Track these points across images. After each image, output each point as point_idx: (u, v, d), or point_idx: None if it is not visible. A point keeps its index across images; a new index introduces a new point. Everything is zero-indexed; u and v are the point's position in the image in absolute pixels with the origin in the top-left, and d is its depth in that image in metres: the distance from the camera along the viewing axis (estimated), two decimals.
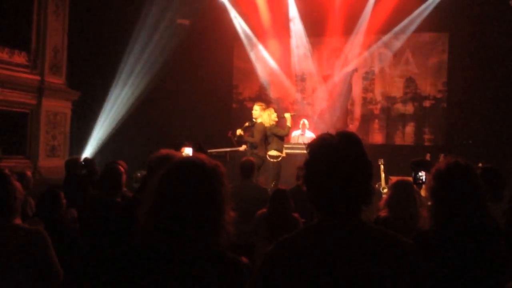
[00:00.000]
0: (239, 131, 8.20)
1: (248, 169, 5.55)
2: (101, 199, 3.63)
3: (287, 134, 8.40)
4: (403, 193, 3.49)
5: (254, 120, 8.09)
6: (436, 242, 2.14)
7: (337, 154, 1.54)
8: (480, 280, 2.07)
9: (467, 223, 2.12)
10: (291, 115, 8.40)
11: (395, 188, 3.62)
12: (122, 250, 1.69)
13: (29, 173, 5.09)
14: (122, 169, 3.72)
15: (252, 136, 8.00)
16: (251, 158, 5.97)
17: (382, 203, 3.67)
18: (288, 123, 8.21)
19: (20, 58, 8.90)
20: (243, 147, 8.49)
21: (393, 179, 7.61)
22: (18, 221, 2.68)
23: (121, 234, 3.29)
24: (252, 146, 7.94)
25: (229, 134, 11.05)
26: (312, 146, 1.61)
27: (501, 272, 2.08)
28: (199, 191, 1.64)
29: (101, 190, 3.66)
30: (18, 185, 2.76)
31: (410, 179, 5.26)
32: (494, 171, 3.66)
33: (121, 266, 1.70)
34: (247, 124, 8.27)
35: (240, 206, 5.12)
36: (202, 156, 1.78)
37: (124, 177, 3.70)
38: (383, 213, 3.60)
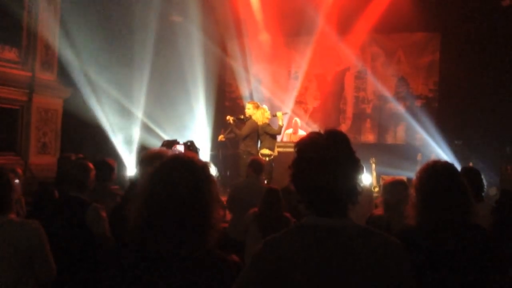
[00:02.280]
0: (229, 117, 8.12)
1: (260, 166, 5.66)
2: (65, 196, 3.54)
3: (280, 133, 8.41)
4: (401, 193, 3.52)
5: (248, 116, 8.09)
6: (420, 239, 2.17)
7: (324, 152, 1.54)
8: (464, 277, 2.09)
9: (451, 222, 2.16)
10: (282, 114, 8.41)
11: (392, 188, 3.63)
12: (95, 249, 1.69)
13: (19, 171, 5.04)
14: (91, 165, 3.62)
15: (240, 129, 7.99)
16: (260, 158, 6.01)
17: (378, 201, 3.69)
18: (280, 122, 8.23)
19: (10, 54, 8.83)
20: (220, 137, 8.37)
21: (385, 178, 7.66)
22: (13, 216, 2.69)
23: (78, 232, 3.27)
24: (238, 139, 7.93)
25: (222, 132, 11.03)
26: (300, 145, 1.62)
27: (484, 269, 2.10)
28: (187, 190, 1.64)
29: (68, 187, 3.55)
30: (14, 182, 2.77)
31: (403, 178, 5.30)
32: (475, 172, 3.71)
33: (103, 264, 1.69)
34: (241, 116, 8.26)
35: (245, 202, 5.12)
36: (191, 154, 1.78)
37: (93, 173, 3.59)
38: (377, 212, 3.62)
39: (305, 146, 1.60)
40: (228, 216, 5.76)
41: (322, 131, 1.63)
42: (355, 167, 1.57)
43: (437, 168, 2.25)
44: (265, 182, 7.69)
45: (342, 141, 1.58)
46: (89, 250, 3.23)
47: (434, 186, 2.20)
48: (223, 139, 8.37)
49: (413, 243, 2.09)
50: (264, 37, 12.46)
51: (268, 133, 8.00)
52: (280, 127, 8.23)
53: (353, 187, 1.56)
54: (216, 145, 11.43)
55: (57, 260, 3.25)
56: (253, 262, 1.56)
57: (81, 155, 6.59)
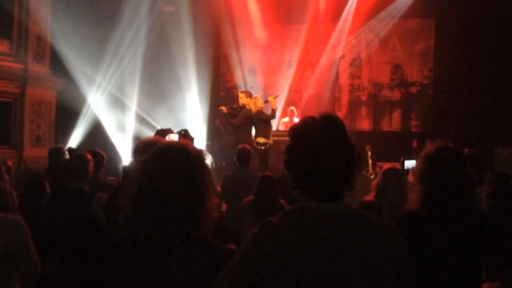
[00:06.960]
0: (222, 107, 8.12)
1: (246, 156, 5.59)
2: (64, 187, 3.54)
3: (274, 117, 8.29)
4: (392, 181, 3.52)
5: (242, 105, 8.04)
6: (422, 222, 2.15)
7: (319, 138, 1.51)
8: (464, 260, 2.09)
9: (454, 205, 2.14)
10: (274, 97, 8.32)
11: (384, 176, 3.65)
12: (102, 239, 1.67)
13: (10, 163, 5.01)
14: (89, 156, 3.66)
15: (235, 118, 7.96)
16: (248, 146, 5.95)
17: (372, 187, 3.71)
18: (273, 106, 8.14)
19: (2, 46, 8.74)
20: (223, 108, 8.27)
21: (382, 165, 7.65)
22: None
23: (85, 223, 3.28)
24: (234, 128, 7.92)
25: (217, 122, 11.00)
26: (294, 130, 1.59)
27: (484, 253, 2.10)
28: (181, 177, 1.61)
29: (67, 179, 3.57)
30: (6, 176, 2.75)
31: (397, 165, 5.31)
32: (475, 156, 3.73)
33: (102, 255, 1.67)
34: (235, 106, 8.22)
35: (237, 193, 5.12)
36: (186, 142, 1.75)
37: (91, 164, 3.63)
38: (368, 198, 3.64)
39: (299, 131, 1.57)
40: (224, 206, 5.74)
41: (314, 116, 1.59)
42: (350, 152, 1.53)
43: (442, 153, 2.20)
44: (261, 170, 7.69)
45: (336, 126, 1.55)
46: (96, 240, 3.23)
47: (440, 170, 2.17)
48: (225, 111, 8.17)
49: (414, 227, 2.08)
50: (258, 25, 12.37)
51: (262, 120, 7.93)
52: (274, 111, 8.13)
53: (348, 172, 1.52)
54: (211, 135, 11.41)
55: (63, 252, 3.25)
56: (251, 242, 1.53)
57: (72, 147, 6.55)
